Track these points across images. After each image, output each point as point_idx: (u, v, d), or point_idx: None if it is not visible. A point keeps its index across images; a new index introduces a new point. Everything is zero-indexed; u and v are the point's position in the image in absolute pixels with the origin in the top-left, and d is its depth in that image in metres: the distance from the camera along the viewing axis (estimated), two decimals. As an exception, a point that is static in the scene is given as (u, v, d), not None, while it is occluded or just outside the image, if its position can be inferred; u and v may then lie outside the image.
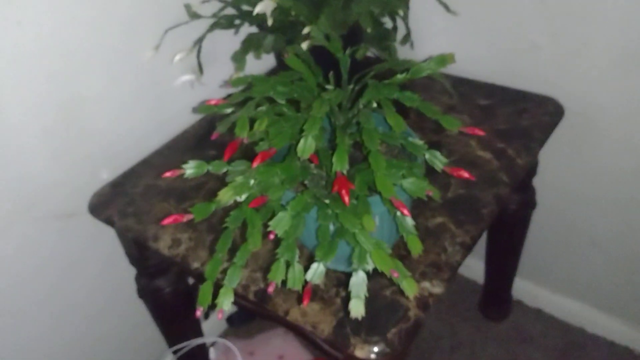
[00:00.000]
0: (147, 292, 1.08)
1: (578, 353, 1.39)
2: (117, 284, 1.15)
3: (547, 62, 1.07)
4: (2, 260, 0.93)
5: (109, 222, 0.94)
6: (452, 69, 1.17)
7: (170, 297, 1.08)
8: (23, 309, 1.00)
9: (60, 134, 0.93)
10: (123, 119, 1.02)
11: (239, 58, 0.96)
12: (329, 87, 0.68)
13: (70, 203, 0.99)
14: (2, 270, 0.94)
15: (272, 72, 1.25)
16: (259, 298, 0.77)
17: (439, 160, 0.64)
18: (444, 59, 0.66)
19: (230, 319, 1.52)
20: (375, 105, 0.67)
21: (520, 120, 1.01)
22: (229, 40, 1.06)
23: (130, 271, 1.07)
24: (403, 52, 1.08)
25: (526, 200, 1.16)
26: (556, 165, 1.18)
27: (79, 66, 0.92)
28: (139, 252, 0.99)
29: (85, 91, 0.94)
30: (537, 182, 1.16)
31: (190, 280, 1.17)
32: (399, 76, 0.67)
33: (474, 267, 1.51)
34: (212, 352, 1.32)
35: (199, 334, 1.27)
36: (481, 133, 0.63)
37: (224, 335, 1.48)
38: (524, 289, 1.48)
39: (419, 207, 0.85)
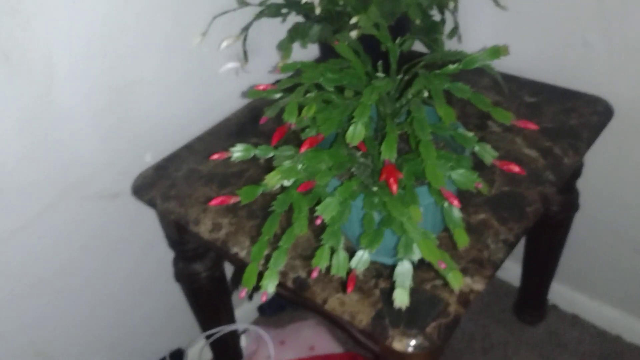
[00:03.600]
0: (183, 275, 1.09)
1: (615, 362, 1.36)
2: (156, 266, 1.17)
3: (597, 61, 1.04)
4: (50, 236, 0.95)
5: (151, 203, 0.95)
6: (498, 65, 1.15)
7: (205, 282, 1.09)
8: (68, 286, 1.03)
9: (109, 116, 0.95)
10: (169, 104, 1.03)
11: (285, 46, 0.96)
12: (379, 74, 0.68)
13: (116, 184, 1.01)
14: (50, 246, 0.96)
15: (317, 61, 1.25)
16: (298, 285, 0.77)
17: (488, 153, 0.63)
18: (498, 51, 0.65)
19: (262, 309, 1.53)
20: (425, 95, 0.66)
21: (568, 119, 0.99)
22: (275, 29, 1.06)
23: (169, 254, 1.09)
24: (450, 46, 1.07)
25: (569, 202, 1.14)
26: (601, 168, 1.15)
27: (130, 50, 0.93)
28: (178, 235, 1.00)
29: (135, 75, 0.96)
30: (581, 184, 1.13)
31: (227, 268, 1.18)
32: (451, 66, 0.67)
33: (510, 269, 1.48)
34: (243, 340, 1.33)
35: (232, 320, 1.28)
36: (534, 127, 0.62)
37: (256, 323, 1.49)
38: (560, 293, 1.45)
39: (462, 202, 0.83)
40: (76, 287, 1.04)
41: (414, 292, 0.72)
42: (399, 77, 0.72)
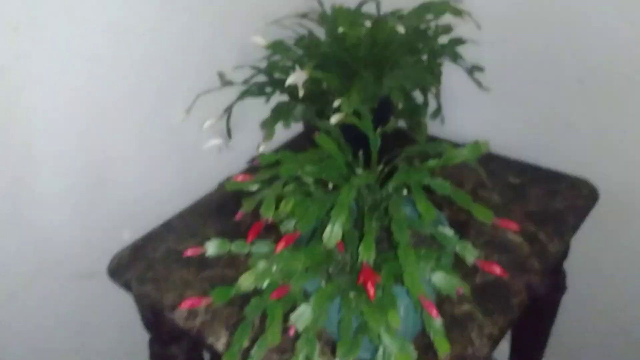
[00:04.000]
0: (159, 358, 1.04)
1: None
2: (132, 347, 1.12)
3: (581, 142, 1.04)
4: (24, 317, 0.91)
5: (127, 287, 0.92)
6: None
7: (182, 366, 1.04)
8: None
9: (86, 194, 0.93)
10: (148, 181, 1.02)
11: (268, 127, 0.95)
12: (359, 170, 0.67)
13: (92, 263, 0.98)
14: (24, 327, 0.92)
15: (300, 136, 1.25)
16: (275, 382, 0.74)
17: (470, 253, 0.61)
18: (478, 148, 0.65)
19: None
20: (405, 190, 0.65)
21: (553, 202, 0.98)
22: (258, 106, 1.06)
23: (145, 335, 1.05)
24: (433, 126, 1.07)
25: (556, 284, 1.12)
26: (588, 249, 1.14)
27: (111, 127, 0.92)
28: (154, 318, 0.96)
29: (115, 152, 0.94)
30: (568, 264, 1.11)
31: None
32: (431, 162, 0.66)
33: (499, 347, 1.44)
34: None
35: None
36: (514, 227, 0.60)
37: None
38: (550, 373, 1.40)
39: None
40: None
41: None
42: (380, 167, 0.71)
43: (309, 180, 0.67)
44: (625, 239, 1.09)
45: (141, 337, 1.06)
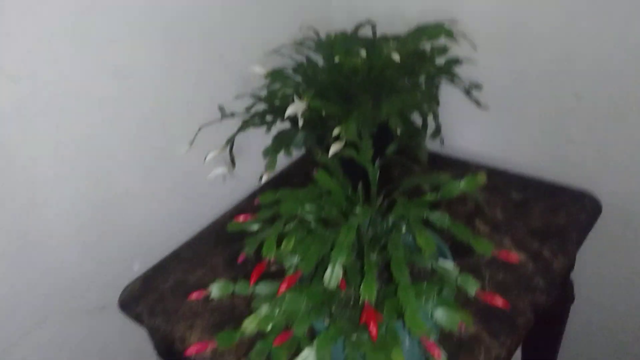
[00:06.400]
0: (174, 385, 1.06)
1: None
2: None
3: (583, 156, 1.04)
4: (38, 354, 0.93)
5: (138, 320, 0.94)
6: (485, 159, 1.16)
7: (197, 392, 1.06)
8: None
9: (95, 229, 0.95)
10: (156, 213, 1.03)
11: (269, 156, 0.96)
12: (357, 207, 0.68)
13: (103, 296, 1.00)
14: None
15: (302, 160, 1.26)
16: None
17: (471, 285, 0.62)
18: (476, 181, 0.65)
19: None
20: (404, 227, 0.66)
21: (556, 217, 0.98)
22: (261, 132, 1.07)
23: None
24: (434, 144, 1.08)
25: (564, 294, 1.12)
26: (594, 258, 1.14)
27: (116, 165, 0.94)
28: (167, 348, 0.98)
29: (121, 188, 0.96)
30: (575, 275, 1.12)
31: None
32: (429, 196, 0.67)
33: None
34: None
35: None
36: (515, 260, 0.61)
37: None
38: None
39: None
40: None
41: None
42: (379, 200, 0.72)
43: (310, 217, 0.68)
44: (631, 247, 1.09)
45: (156, 366, 1.08)
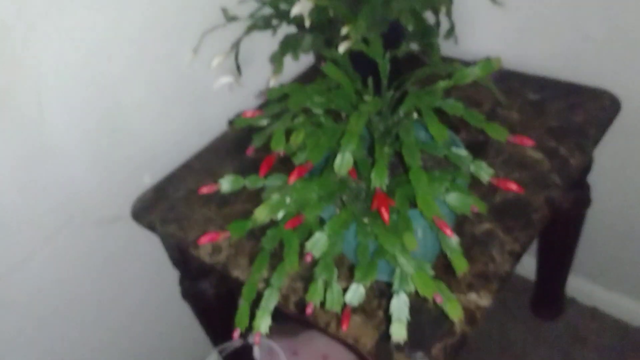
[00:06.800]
0: (190, 294, 1.09)
1: (637, 354, 1.32)
2: (164, 285, 1.16)
3: (602, 54, 1.00)
4: (54, 267, 0.95)
5: (151, 228, 0.94)
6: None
7: (213, 299, 1.08)
8: (78, 314, 1.03)
9: (103, 139, 0.94)
10: (163, 123, 1.02)
11: (276, 60, 0.94)
12: (367, 97, 0.66)
13: (116, 208, 1.00)
14: (55, 276, 0.96)
15: (311, 69, 1.23)
16: (300, 309, 0.76)
17: (485, 172, 0.60)
18: (490, 65, 0.62)
19: (275, 315, 1.52)
20: (416, 114, 0.64)
21: (573, 116, 0.95)
22: (267, 40, 1.04)
23: (175, 274, 1.08)
24: (447, 47, 1.04)
25: (580, 198, 1.10)
26: (612, 161, 1.12)
27: (121, 72, 0.92)
28: (181, 256, 0.99)
29: (127, 96, 0.94)
30: (592, 178, 1.10)
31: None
32: (442, 83, 0.64)
33: (526, 264, 1.45)
34: (256, 351, 1.32)
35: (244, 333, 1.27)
36: (530, 143, 0.59)
37: (269, 332, 1.48)
38: (578, 286, 1.41)
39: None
40: (85, 315, 1.04)
41: (418, 312, 0.71)
42: (390, 94, 0.70)
43: (319, 111, 0.66)
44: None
45: (171, 276, 1.10)
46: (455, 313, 0.53)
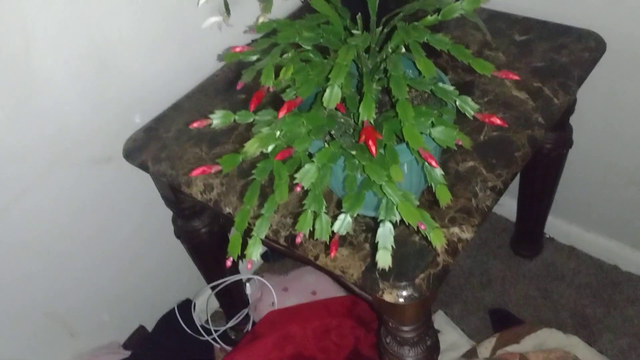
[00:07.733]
0: (183, 232, 1.11)
1: (611, 291, 1.39)
2: (158, 223, 1.19)
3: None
4: (47, 204, 0.97)
5: (143, 167, 0.96)
6: (487, 3, 1.12)
7: (206, 237, 1.11)
8: (67, 251, 1.05)
9: (92, 79, 0.94)
10: (152, 63, 1.02)
11: (265, -1, 0.93)
12: (356, 31, 0.66)
13: (107, 148, 1.01)
14: (48, 213, 0.98)
15: (300, 10, 1.22)
16: (289, 243, 0.79)
17: (469, 107, 0.62)
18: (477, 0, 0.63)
19: (266, 256, 1.57)
20: (404, 49, 0.65)
21: (559, 56, 0.97)
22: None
23: (169, 212, 1.11)
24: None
25: (562, 139, 1.13)
26: (594, 103, 1.14)
27: (108, 9, 0.91)
28: (174, 195, 1.01)
29: (115, 34, 0.94)
30: (574, 120, 1.12)
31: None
32: (430, 18, 0.65)
33: (506, 205, 1.50)
34: (248, 288, 1.37)
35: (236, 270, 1.31)
36: (515, 77, 0.61)
37: (260, 271, 1.53)
38: (557, 226, 1.47)
39: (449, 150, 0.84)
40: (79, 249, 1.07)
41: (403, 244, 0.74)
42: (379, 30, 0.70)
43: (308, 46, 0.67)
44: (632, 91, 1.08)
45: (164, 215, 1.13)
46: (438, 240, 0.56)
